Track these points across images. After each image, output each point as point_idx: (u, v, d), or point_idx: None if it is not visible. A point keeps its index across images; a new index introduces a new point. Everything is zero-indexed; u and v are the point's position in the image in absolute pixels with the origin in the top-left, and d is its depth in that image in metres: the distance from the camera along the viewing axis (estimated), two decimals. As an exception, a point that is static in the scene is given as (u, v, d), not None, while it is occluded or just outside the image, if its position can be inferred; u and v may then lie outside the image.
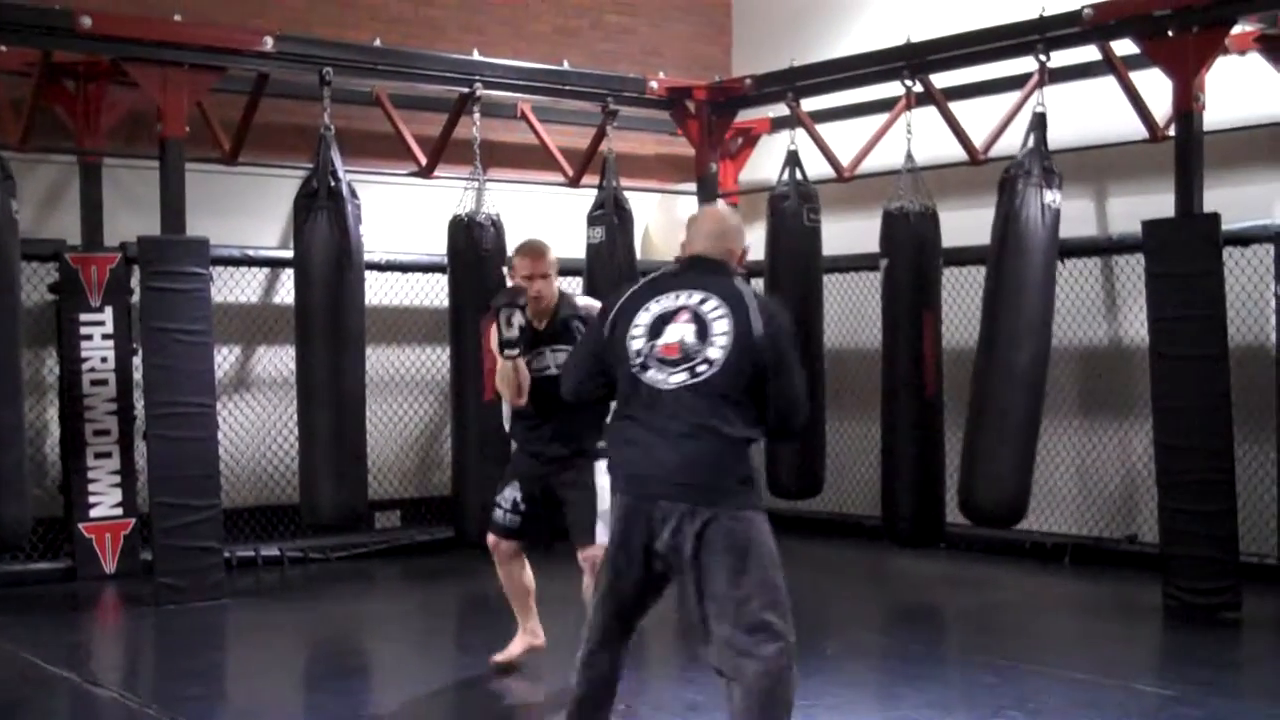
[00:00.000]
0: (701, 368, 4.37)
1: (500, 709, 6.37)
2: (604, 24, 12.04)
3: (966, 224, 9.37)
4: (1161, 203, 8.04)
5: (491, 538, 6.70)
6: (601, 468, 5.94)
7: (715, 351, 4.37)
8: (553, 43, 11.40)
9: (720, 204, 5.15)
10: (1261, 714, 6.12)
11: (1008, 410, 8.29)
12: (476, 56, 9.83)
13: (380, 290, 10.26)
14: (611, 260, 9.99)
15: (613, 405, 4.98)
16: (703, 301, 4.46)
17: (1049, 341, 8.43)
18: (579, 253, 10.17)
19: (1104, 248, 9.49)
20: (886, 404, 9.23)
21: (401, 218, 10.46)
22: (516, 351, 6.16)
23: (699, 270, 4.62)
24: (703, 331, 4.40)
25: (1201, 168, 7.87)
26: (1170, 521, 7.78)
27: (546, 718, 6.27)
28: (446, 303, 9.67)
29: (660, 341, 4.45)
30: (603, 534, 5.90)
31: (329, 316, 8.78)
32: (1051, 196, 8.34)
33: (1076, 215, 8.98)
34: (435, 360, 10.56)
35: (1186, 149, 7.89)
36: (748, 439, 4.40)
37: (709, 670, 6.78)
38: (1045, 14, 8.63)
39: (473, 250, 9.42)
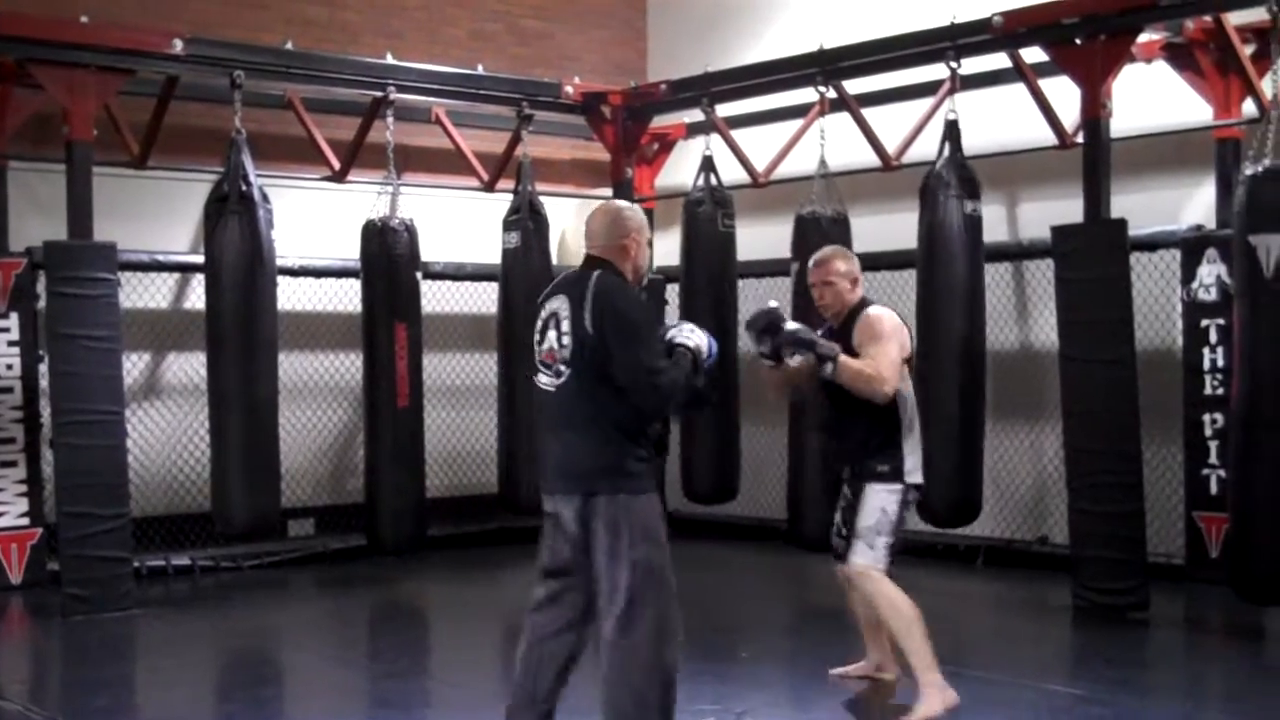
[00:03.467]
0: (562, 368, 4.70)
1: (418, 716, 6.31)
2: (520, 29, 12.01)
3: (879, 229, 9.44)
4: (1071, 208, 8.14)
5: (836, 562, 6.27)
6: (878, 489, 5.93)
7: (565, 352, 4.68)
8: (468, 47, 11.36)
9: (613, 201, 5.13)
10: (1168, 712, 6.21)
11: (952, 414, 8.36)
12: (390, 60, 9.77)
13: (293, 295, 10.16)
14: (527, 265, 9.96)
15: (904, 423, 5.89)
16: (561, 306, 4.73)
17: (984, 345, 8.51)
18: (494, 258, 10.13)
19: (1015, 253, 9.60)
20: (795, 408, 9.27)
21: (314, 222, 10.37)
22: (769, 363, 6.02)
23: (577, 272, 4.83)
24: (560, 335, 4.71)
25: (1109, 174, 7.98)
26: (1079, 523, 7.88)
27: (461, 725, 6.23)
28: (359, 308, 9.59)
29: (542, 347, 4.78)
30: (861, 553, 5.93)
31: (240, 322, 8.69)
32: (971, 204, 8.42)
33: (989, 221, 9.03)
34: (348, 366, 10.48)
35: (1095, 156, 8.01)
36: (621, 424, 4.62)
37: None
38: (956, 21, 8.71)
39: (386, 255, 9.36)
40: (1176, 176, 8.98)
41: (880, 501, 5.91)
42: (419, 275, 9.62)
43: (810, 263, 6.25)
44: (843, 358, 5.79)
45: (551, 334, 4.73)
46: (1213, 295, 8.18)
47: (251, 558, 9.79)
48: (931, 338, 8.44)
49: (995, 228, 9.59)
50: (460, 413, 11.21)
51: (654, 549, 4.63)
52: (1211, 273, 8.21)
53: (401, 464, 9.42)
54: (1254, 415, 7.01)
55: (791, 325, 5.83)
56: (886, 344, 5.87)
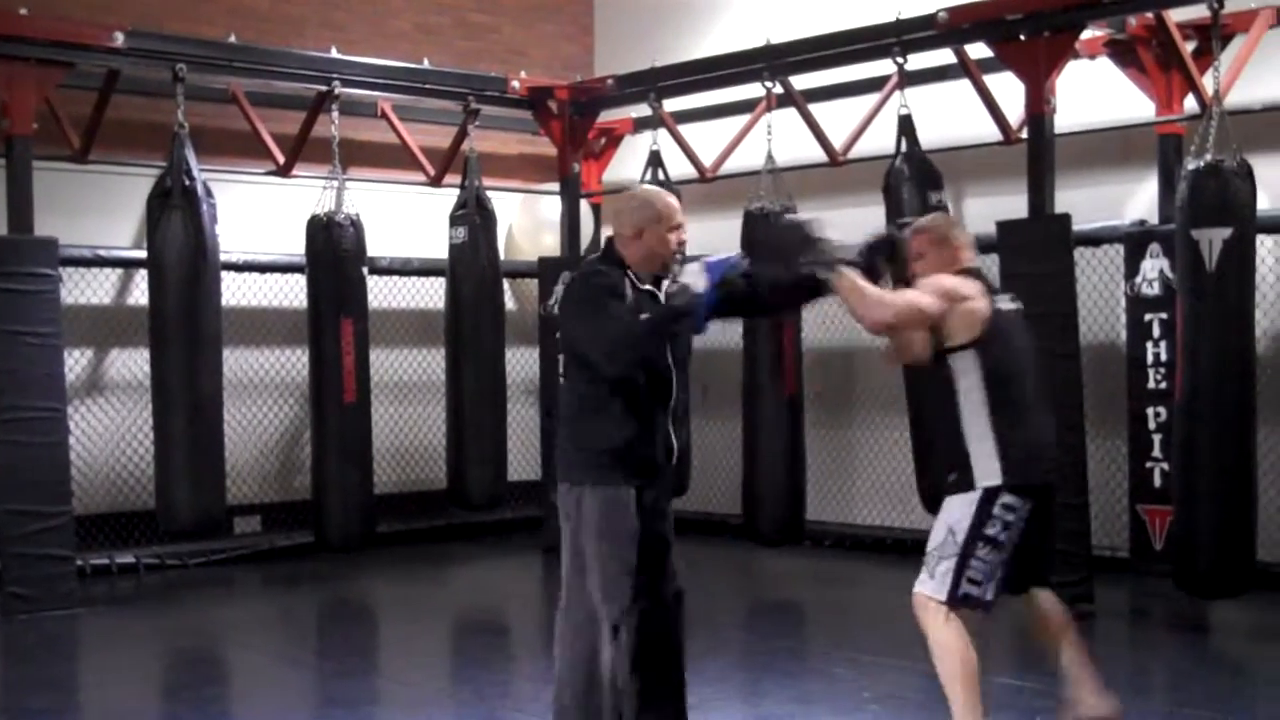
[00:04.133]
0: (562, 360, 4.80)
1: (365, 714, 6.27)
2: (466, 23, 11.97)
3: (826, 224, 9.44)
4: (1015, 204, 8.19)
5: None
6: (949, 503, 4.99)
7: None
8: (414, 41, 11.30)
9: (639, 187, 5.02)
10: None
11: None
12: (335, 54, 9.71)
13: (237, 291, 10.08)
14: (474, 260, 9.94)
15: (963, 409, 4.92)
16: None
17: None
18: (441, 253, 10.10)
19: (961, 247, 9.63)
20: (748, 404, 9.30)
21: (259, 217, 10.29)
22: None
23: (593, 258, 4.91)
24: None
25: (1053, 169, 8.03)
26: (1025, 516, 7.92)
27: (409, 723, 6.21)
28: (305, 303, 9.54)
29: None
30: (921, 580, 5.03)
31: (184, 318, 8.63)
32: (936, 197, 8.49)
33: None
34: (294, 362, 10.41)
35: (1039, 151, 8.05)
36: (587, 411, 4.64)
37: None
38: (902, 18, 8.75)
39: (332, 250, 9.31)
40: (1120, 172, 9.05)
41: (948, 518, 4.97)
42: (365, 270, 9.57)
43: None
44: (848, 272, 4.84)
45: None
46: (1156, 290, 8.25)
47: (197, 555, 9.71)
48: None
49: (942, 223, 9.63)
50: (408, 408, 11.16)
51: (601, 543, 4.60)
52: (1154, 267, 8.27)
53: (349, 460, 9.37)
54: (1196, 408, 7.08)
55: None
56: (922, 294, 4.98)
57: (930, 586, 4.98)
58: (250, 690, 6.95)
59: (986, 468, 4.90)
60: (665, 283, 4.71)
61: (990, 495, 4.89)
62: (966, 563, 4.91)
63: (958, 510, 4.94)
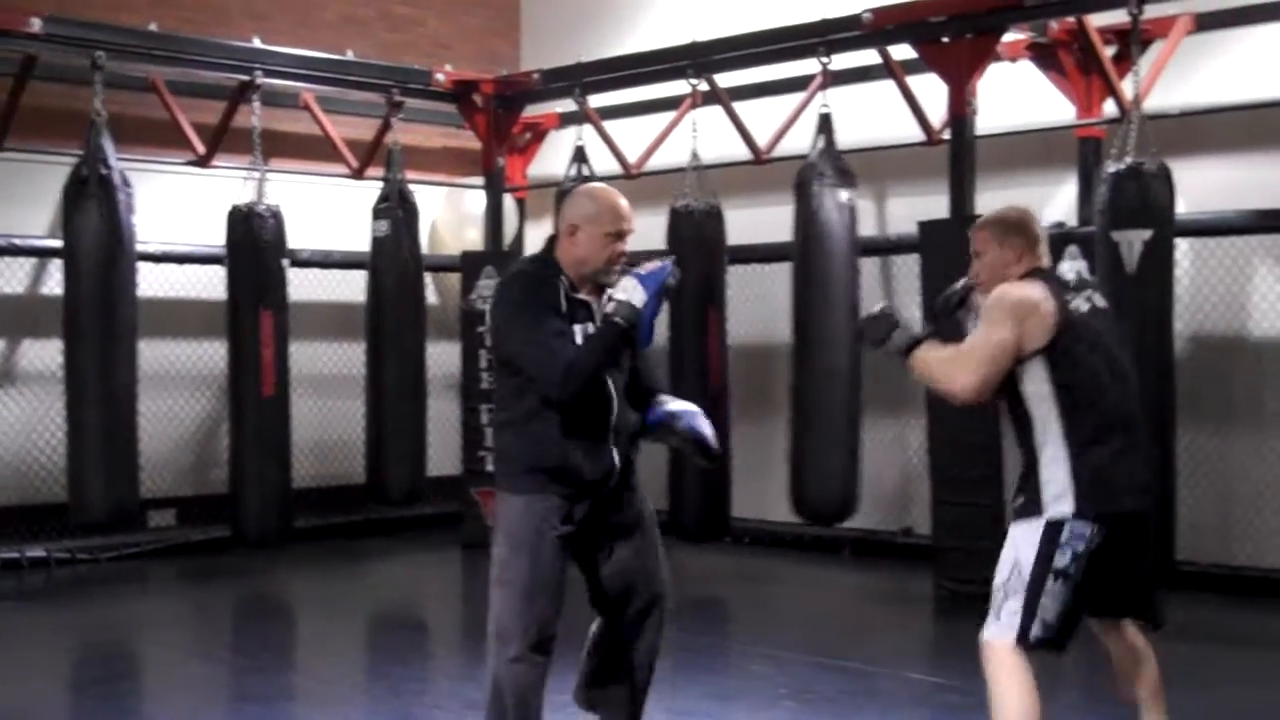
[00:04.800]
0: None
1: (280, 710, 6.20)
2: (392, 14, 11.88)
3: (751, 222, 9.49)
4: (937, 204, 8.25)
5: None
6: (1014, 531, 4.41)
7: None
8: (339, 31, 11.20)
9: (590, 184, 4.62)
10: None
11: (831, 408, 8.46)
12: (257, 44, 9.61)
13: (154, 282, 9.93)
14: (396, 254, 9.88)
15: (1037, 432, 4.38)
16: None
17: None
18: (363, 246, 10.03)
19: (883, 247, 9.70)
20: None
21: (177, 208, 10.16)
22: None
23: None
24: None
25: (974, 170, 8.11)
26: (941, 514, 7.99)
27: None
28: (224, 295, 9.43)
29: None
30: (989, 623, 4.39)
31: (99, 309, 8.50)
32: (846, 194, 8.51)
33: (859, 216, 9.14)
34: (212, 354, 10.26)
35: (960, 152, 8.13)
36: (510, 417, 4.44)
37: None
38: (827, 18, 8.78)
39: (252, 242, 9.22)
40: (1040, 174, 9.14)
41: (1014, 551, 4.38)
42: (286, 263, 9.48)
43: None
44: (918, 351, 4.57)
45: None
46: (1073, 291, 8.32)
47: (109, 549, 9.57)
48: (807, 329, 8.53)
49: (864, 222, 9.66)
50: (327, 402, 11.05)
51: (507, 553, 4.36)
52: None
53: (266, 454, 9.28)
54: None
55: (875, 311, 4.78)
56: (991, 328, 4.42)
57: (996, 629, 4.36)
58: (163, 686, 6.86)
59: (1058, 492, 4.34)
60: (605, 295, 4.38)
61: (1059, 523, 4.31)
62: (1037, 599, 4.31)
63: (1023, 540, 4.36)
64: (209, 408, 10.54)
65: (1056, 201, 9.00)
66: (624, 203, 4.47)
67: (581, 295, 4.43)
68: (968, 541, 7.84)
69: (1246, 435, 8.25)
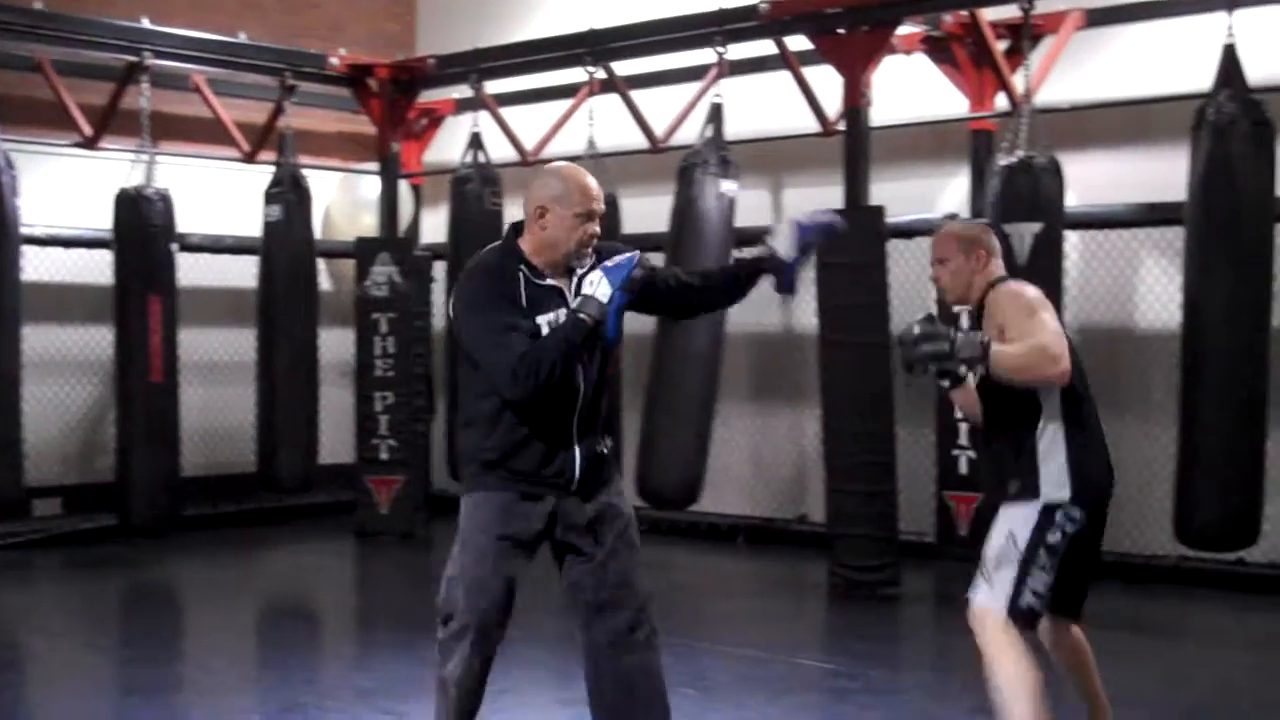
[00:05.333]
0: None
1: (167, 701, 6.11)
2: (286, -4, 11.74)
3: (648, 210, 9.49)
4: (832, 194, 8.30)
5: None
6: (1009, 511, 4.58)
7: None
8: (232, 14, 11.01)
9: (560, 164, 4.34)
10: (913, 682, 6.42)
11: (686, 395, 8.48)
12: (147, 25, 9.44)
13: (40, 266, 9.72)
14: (289, 239, 9.78)
15: (1041, 423, 4.54)
16: None
17: (723, 327, 8.65)
18: (254, 231, 9.90)
19: (779, 237, 9.74)
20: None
21: (64, 190, 9.96)
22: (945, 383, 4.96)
23: None
24: None
25: (868, 162, 8.18)
26: (836, 502, 8.06)
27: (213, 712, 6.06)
28: (112, 280, 9.26)
29: None
30: (979, 590, 4.56)
31: (-19, 292, 8.33)
32: (727, 185, 8.54)
33: (754, 205, 9.19)
34: (99, 340, 10.08)
35: (855, 143, 8.19)
36: (470, 417, 4.25)
37: (383, 658, 6.74)
38: (724, 7, 8.81)
39: (140, 226, 9.08)
40: (933, 166, 9.24)
41: (1009, 525, 4.57)
42: (175, 247, 9.33)
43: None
44: (995, 346, 4.47)
45: None
46: (964, 282, 8.42)
47: (-7, 539, 9.38)
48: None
49: (760, 212, 9.73)
50: (218, 389, 10.89)
51: (456, 546, 4.25)
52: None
53: (154, 441, 9.16)
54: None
55: (919, 328, 4.56)
56: (1040, 313, 4.57)
57: (988, 596, 4.54)
58: (48, 677, 6.72)
59: (1056, 479, 4.55)
60: (578, 275, 4.18)
61: (1055, 506, 4.54)
62: (1029, 570, 4.52)
63: (1019, 518, 4.54)
64: (96, 394, 10.35)
65: (949, 193, 9.11)
66: (594, 181, 4.22)
67: (550, 282, 4.18)
68: (861, 529, 7.92)
69: (1135, 423, 8.40)
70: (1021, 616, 4.51)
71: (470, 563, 4.20)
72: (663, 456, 8.64)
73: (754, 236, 9.24)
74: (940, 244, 4.83)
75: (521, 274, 4.15)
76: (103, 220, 9.26)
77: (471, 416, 4.24)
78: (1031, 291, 4.66)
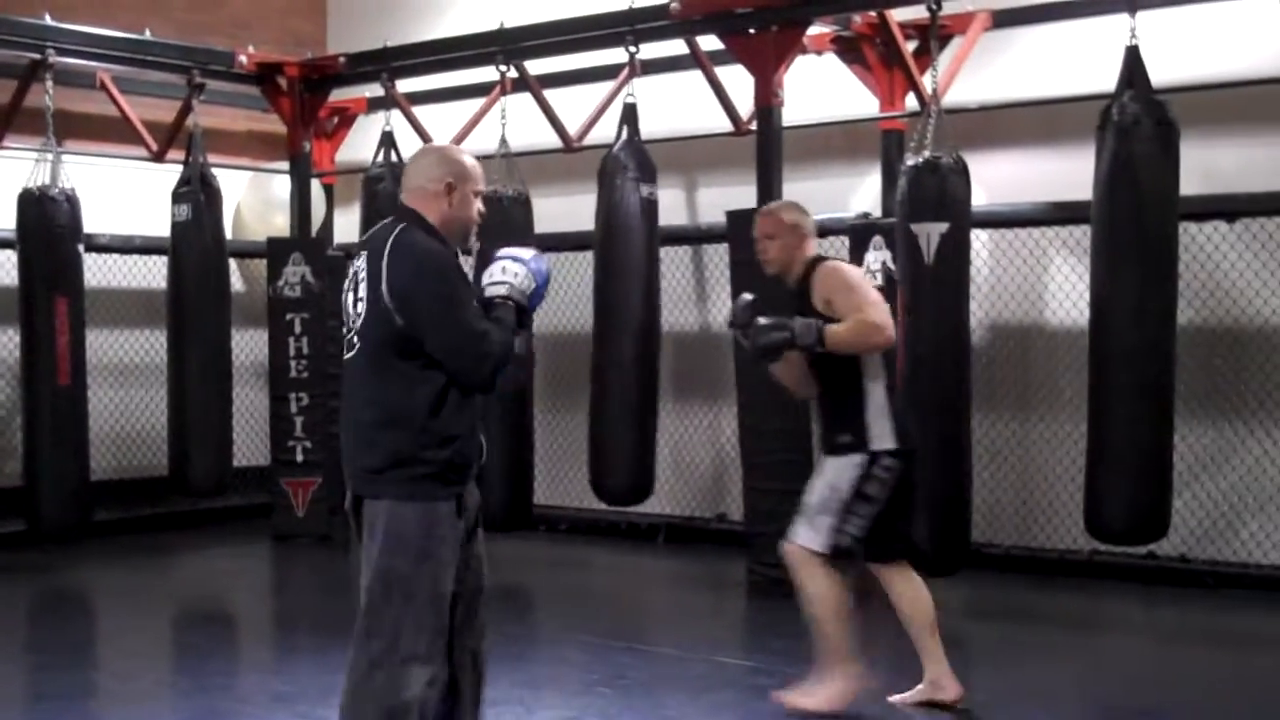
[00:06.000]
0: (355, 339, 4.03)
1: (80, 709, 6.02)
2: (191, -7, 11.59)
3: (560, 210, 9.49)
4: (745, 194, 8.35)
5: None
6: (834, 462, 5.39)
7: (358, 321, 4.02)
8: (137, 10, 10.83)
9: (438, 144, 4.48)
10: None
11: (627, 395, 8.53)
12: (49, 21, 9.27)
13: (-58, 267, 9.57)
14: (198, 239, 9.64)
15: (866, 386, 5.36)
16: (362, 265, 4.04)
17: (658, 327, 8.70)
18: (163, 231, 9.77)
19: (693, 237, 9.79)
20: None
21: (-34, 190, 9.77)
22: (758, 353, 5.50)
23: (382, 225, 4.13)
24: (356, 299, 4.03)
25: (780, 161, 8.22)
26: (753, 500, 8.10)
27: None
28: (16, 281, 9.10)
29: (346, 312, 4.10)
30: (799, 531, 5.43)
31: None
32: (649, 189, 8.57)
33: (668, 205, 9.20)
34: (4, 342, 9.90)
35: (767, 143, 8.23)
36: (405, 414, 3.94)
37: (301, 662, 6.69)
38: (634, 6, 8.82)
39: (45, 226, 8.93)
40: (845, 165, 9.31)
41: (832, 476, 5.37)
42: (81, 248, 9.19)
43: (756, 215, 5.84)
44: (829, 328, 5.24)
45: (349, 297, 4.04)
46: (879, 280, 8.42)
47: (-107, 547, 9.19)
48: (608, 318, 8.60)
49: (674, 211, 9.76)
50: (128, 391, 10.75)
51: (407, 561, 3.94)
52: (878, 259, 8.49)
53: (63, 445, 9.00)
54: (915, 394, 7.33)
55: (763, 320, 5.34)
56: (862, 288, 5.40)
57: (808, 538, 5.37)
58: (-46, 688, 6.61)
59: (881, 433, 5.35)
60: (467, 259, 4.20)
61: (877, 457, 5.34)
62: (847, 518, 5.34)
63: (845, 470, 5.35)
64: (1, 397, 10.17)
65: (862, 193, 9.19)
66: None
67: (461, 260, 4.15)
68: (779, 526, 7.94)
69: (1044, 421, 8.53)
70: (837, 554, 5.37)
71: (431, 580, 3.94)
72: (612, 456, 8.68)
73: (672, 237, 9.37)
74: (768, 223, 5.61)
75: (455, 254, 4.10)
76: (6, 220, 9.09)
77: (396, 413, 3.94)
78: (849, 268, 5.55)
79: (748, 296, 5.60)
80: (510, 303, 4.06)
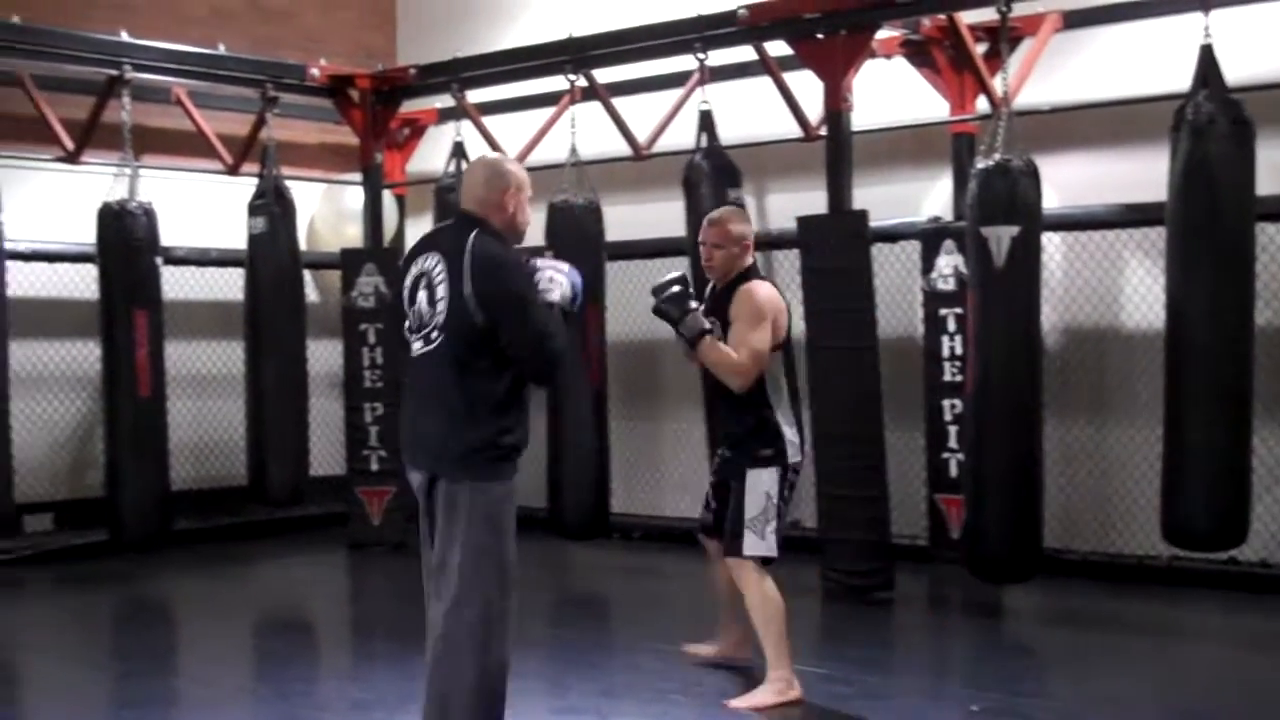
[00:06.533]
0: (434, 335, 4.42)
1: (162, 716, 6.11)
2: (262, 7, 11.72)
3: (630, 218, 9.51)
4: (815, 199, 8.34)
5: (699, 535, 6.48)
6: (761, 475, 5.84)
7: (439, 317, 4.41)
8: (209, 25, 11.01)
9: (491, 154, 4.97)
10: (910, 687, 6.44)
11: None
12: (126, 38, 9.43)
13: (24, 281, 9.72)
14: (274, 251, 9.76)
15: (774, 404, 5.83)
16: (435, 266, 4.45)
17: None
18: (239, 243, 9.89)
19: (764, 243, 9.75)
20: (552, 396, 9.29)
21: (47, 205, 9.94)
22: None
23: (449, 228, 4.58)
24: (431, 297, 4.43)
25: (851, 166, 8.21)
26: (826, 506, 8.09)
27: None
28: (97, 294, 9.26)
29: (413, 308, 4.50)
30: (752, 545, 5.83)
31: (-33, 310, 8.31)
32: (735, 194, 8.57)
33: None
34: (86, 355, 10.07)
35: (837, 148, 8.22)
36: (485, 404, 4.40)
37: (379, 669, 6.75)
38: (702, 14, 8.83)
39: (124, 240, 9.07)
40: (916, 170, 9.28)
41: (764, 487, 5.84)
42: (159, 261, 9.32)
43: (705, 221, 6.12)
44: (706, 340, 5.77)
45: (422, 295, 4.46)
46: (950, 285, 8.47)
47: (-17, 556, 9.36)
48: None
49: (746, 217, 9.75)
50: (206, 402, 10.90)
51: (492, 535, 4.43)
52: (949, 263, 8.49)
53: (144, 456, 9.14)
54: (985, 398, 7.30)
55: (673, 290, 5.80)
56: (758, 327, 5.80)
57: (763, 548, 5.81)
58: (41, 694, 6.72)
59: (791, 446, 5.85)
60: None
61: (791, 469, 5.87)
62: (780, 524, 5.86)
63: (771, 481, 5.82)
64: (84, 410, 10.34)
65: (933, 197, 9.16)
66: None
67: None
68: (852, 533, 7.95)
69: (1120, 425, 8.45)
70: (774, 558, 5.86)
71: (510, 550, 4.47)
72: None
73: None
74: (717, 233, 5.94)
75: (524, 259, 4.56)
76: (87, 235, 9.24)
77: (479, 403, 4.38)
78: (763, 295, 5.84)
79: (678, 273, 5.98)
80: (554, 307, 4.53)
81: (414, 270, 4.53)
